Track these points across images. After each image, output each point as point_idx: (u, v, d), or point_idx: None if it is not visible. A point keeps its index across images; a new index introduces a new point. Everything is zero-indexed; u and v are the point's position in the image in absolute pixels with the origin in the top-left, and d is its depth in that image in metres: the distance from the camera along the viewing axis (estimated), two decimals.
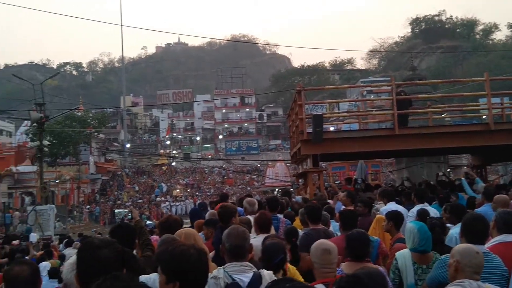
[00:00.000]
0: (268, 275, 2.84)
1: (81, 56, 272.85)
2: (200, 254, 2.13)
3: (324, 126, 11.94)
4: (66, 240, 12.36)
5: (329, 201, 8.30)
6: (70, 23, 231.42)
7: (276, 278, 2.94)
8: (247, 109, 77.96)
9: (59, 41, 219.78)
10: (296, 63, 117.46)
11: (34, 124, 20.41)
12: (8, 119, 61.98)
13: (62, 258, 9.04)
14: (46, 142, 21.78)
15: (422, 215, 5.63)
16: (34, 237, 14.27)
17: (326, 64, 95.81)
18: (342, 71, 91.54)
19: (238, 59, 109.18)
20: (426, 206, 6.57)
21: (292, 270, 3.90)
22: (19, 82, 25.79)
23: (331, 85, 58.55)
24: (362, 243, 3.51)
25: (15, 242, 13.15)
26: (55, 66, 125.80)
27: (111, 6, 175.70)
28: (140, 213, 35.13)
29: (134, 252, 3.64)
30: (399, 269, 4.02)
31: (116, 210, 32.58)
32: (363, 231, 3.96)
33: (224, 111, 77.43)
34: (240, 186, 47.09)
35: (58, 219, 27.67)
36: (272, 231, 5.01)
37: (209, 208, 7.83)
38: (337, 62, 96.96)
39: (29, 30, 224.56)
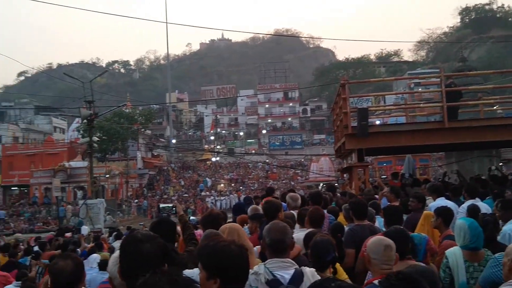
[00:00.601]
0: (310, 272, 2.78)
1: (128, 54, 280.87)
2: (241, 250, 2.10)
3: (369, 120, 11.67)
4: (115, 233, 12.71)
5: (376, 196, 8.11)
6: (118, 22, 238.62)
7: (319, 275, 2.87)
8: (291, 104, 77.62)
9: (108, 40, 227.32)
10: (341, 56, 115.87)
11: (84, 121, 21.19)
12: (61, 116, 64.80)
13: (112, 250, 9.30)
14: (95, 138, 22.56)
15: (473, 211, 5.37)
16: (85, 230, 14.81)
17: (372, 57, 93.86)
18: (389, 64, 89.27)
19: (281, 54, 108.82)
20: (478, 201, 6.28)
21: (336, 266, 3.82)
22: (70, 81, 26.85)
23: (376, 78, 57.25)
24: (400, 240, 3.36)
25: (68, 234, 13.71)
26: (104, 65, 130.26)
27: (157, 5, 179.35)
28: (186, 207, 35.80)
29: (175, 246, 3.67)
30: (450, 268, 3.87)
31: (161, 205, 33.18)
32: (402, 228, 3.83)
33: (267, 106, 77.42)
34: (284, 181, 47.02)
35: (108, 212, 28.62)
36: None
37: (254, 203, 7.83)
38: (383, 54, 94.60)
39: (80, 30, 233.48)
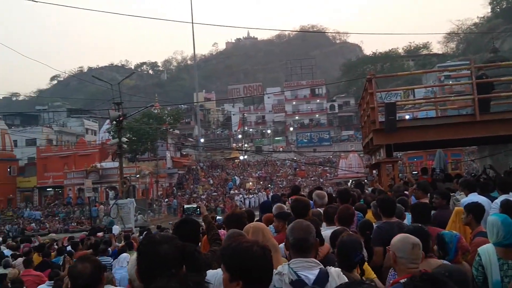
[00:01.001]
0: (335, 272, 2.71)
1: (156, 55, 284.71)
2: (264, 251, 2.05)
3: (398, 115, 11.42)
4: (145, 232, 12.90)
5: (406, 192, 7.92)
6: (146, 25, 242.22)
7: (345, 276, 2.81)
8: (318, 100, 77.06)
9: (136, 42, 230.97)
10: (368, 50, 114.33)
11: (114, 122, 21.57)
12: (92, 118, 66.29)
13: None
14: (124, 139, 22.94)
15: (507, 207, 5.17)
16: (116, 229, 15.09)
17: (400, 50, 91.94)
18: (417, 57, 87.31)
19: (307, 50, 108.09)
20: (511, 196, 6.04)
21: (364, 266, 3.74)
22: (100, 84, 27.38)
23: (405, 72, 56.11)
24: (420, 238, 3.24)
25: (100, 234, 14.00)
26: (133, 67, 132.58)
27: (183, 6, 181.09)
28: (215, 206, 36.08)
29: (199, 246, 3.66)
30: (483, 266, 3.74)
31: (186, 206, 33.60)
32: (420, 225, 3.70)
33: (294, 103, 77.10)
34: (312, 178, 46.78)
35: (139, 212, 29.12)
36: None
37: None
38: (412, 48, 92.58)
39: (108, 34, 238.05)
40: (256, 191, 40.81)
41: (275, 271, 2.66)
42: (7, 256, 9.46)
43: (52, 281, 6.28)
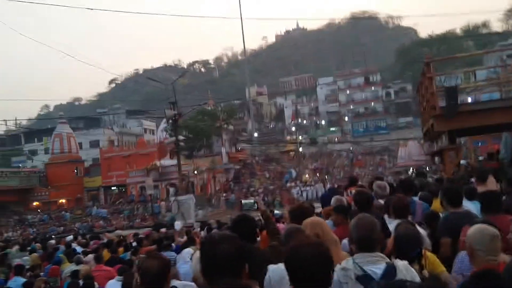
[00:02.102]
0: (403, 266, 2.61)
1: (207, 53, 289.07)
2: (318, 252, 2.06)
3: (460, 98, 10.88)
4: (206, 227, 13.11)
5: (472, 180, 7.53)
6: (195, 23, 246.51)
7: (412, 269, 2.70)
8: (373, 88, 75.22)
9: (187, 41, 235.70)
10: (423, 33, 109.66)
11: (170, 121, 22.14)
12: (150, 118, 68.45)
13: None
14: (181, 137, 23.50)
15: None
16: (178, 225, 15.46)
17: (458, 31, 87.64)
18: (477, 36, 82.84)
19: (358, 37, 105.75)
20: None
21: (431, 258, 3.58)
22: (155, 84, 28.20)
23: (464, 53, 53.48)
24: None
25: (163, 230, 14.43)
26: (185, 66, 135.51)
27: (231, 1, 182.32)
28: (272, 199, 36.20)
29: (257, 243, 3.65)
30: None
31: (243, 201, 34.07)
32: (489, 220, 3.48)
33: (348, 92, 75.73)
34: (370, 168, 45.83)
35: (198, 207, 29.76)
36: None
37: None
38: (470, 27, 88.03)
39: (160, 35, 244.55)
40: (313, 183, 40.52)
41: (339, 266, 2.60)
42: (78, 253, 9.94)
43: (122, 277, 6.52)
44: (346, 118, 73.21)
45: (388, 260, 2.65)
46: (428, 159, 22.54)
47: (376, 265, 2.58)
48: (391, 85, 76.46)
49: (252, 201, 32.17)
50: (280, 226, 5.21)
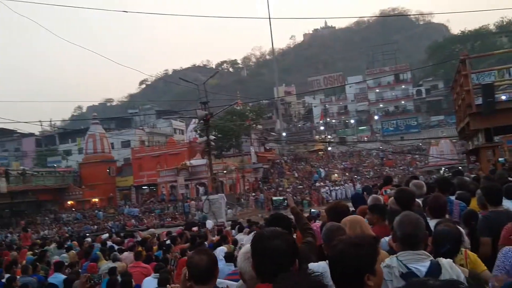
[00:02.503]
0: (447, 264, 2.59)
1: (235, 53, 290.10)
2: (353, 248, 2.04)
3: (495, 96, 10.63)
4: (238, 226, 13.22)
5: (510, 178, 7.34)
6: (223, 24, 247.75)
7: (457, 267, 2.68)
8: (403, 86, 73.94)
9: (215, 42, 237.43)
10: (455, 29, 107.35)
11: (201, 121, 22.38)
12: (179, 119, 69.31)
13: (235, 243, 9.71)
14: (212, 137, 23.73)
15: None
16: (210, 224, 15.66)
17: (491, 27, 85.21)
18: (511, 32, 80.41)
19: (388, 35, 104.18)
20: None
21: (472, 257, 3.53)
22: (185, 85, 28.53)
23: (498, 50, 51.96)
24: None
25: (194, 228, 14.64)
26: (214, 66, 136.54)
27: (259, 1, 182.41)
28: (301, 199, 36.08)
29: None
30: None
31: (274, 198, 34.19)
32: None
33: (377, 90, 74.67)
34: (401, 167, 45.07)
35: (228, 206, 29.98)
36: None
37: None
38: (504, 23, 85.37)
39: (189, 36, 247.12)
40: (342, 183, 40.17)
41: (382, 263, 2.60)
42: (114, 251, 10.20)
43: (158, 274, 6.67)
44: (376, 117, 72.22)
45: (432, 258, 2.64)
46: (461, 158, 22.03)
47: (420, 263, 2.57)
48: (422, 83, 74.98)
49: (282, 198, 32.29)
50: (315, 225, 5.19)
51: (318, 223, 5.50)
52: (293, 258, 2.07)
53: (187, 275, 2.59)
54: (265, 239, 2.08)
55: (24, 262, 9.90)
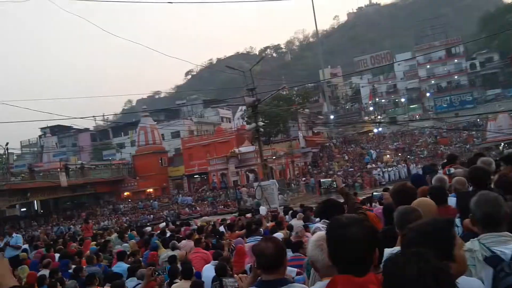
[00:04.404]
0: None
1: (278, 38, 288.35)
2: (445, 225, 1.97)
3: None
4: (291, 211, 13.16)
5: None
6: (265, 9, 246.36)
7: None
8: (456, 60, 70.76)
9: (258, 28, 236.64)
10: None
11: (249, 108, 22.39)
12: (226, 107, 69.92)
13: (290, 228, 9.64)
14: (261, 123, 23.70)
15: None
16: (263, 210, 15.68)
17: None
18: None
19: (437, 8, 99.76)
20: None
21: None
22: (230, 72, 28.59)
23: None
24: None
25: (248, 215, 14.73)
26: (257, 52, 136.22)
27: None
28: (353, 182, 35.57)
29: None
30: None
31: (322, 180, 33.84)
32: None
33: (428, 66, 71.90)
34: (457, 145, 43.36)
35: (278, 192, 30.01)
36: None
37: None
38: None
39: (231, 24, 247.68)
40: (395, 164, 39.18)
41: (464, 247, 2.43)
42: (173, 239, 10.41)
43: (216, 261, 6.72)
44: (428, 94, 69.70)
45: None
46: None
47: (505, 245, 2.37)
48: (475, 56, 71.46)
49: (330, 180, 31.88)
50: (377, 209, 5.01)
51: (379, 207, 5.31)
52: (372, 246, 1.94)
53: (254, 262, 2.54)
54: (342, 226, 1.95)
55: (88, 252, 10.29)
